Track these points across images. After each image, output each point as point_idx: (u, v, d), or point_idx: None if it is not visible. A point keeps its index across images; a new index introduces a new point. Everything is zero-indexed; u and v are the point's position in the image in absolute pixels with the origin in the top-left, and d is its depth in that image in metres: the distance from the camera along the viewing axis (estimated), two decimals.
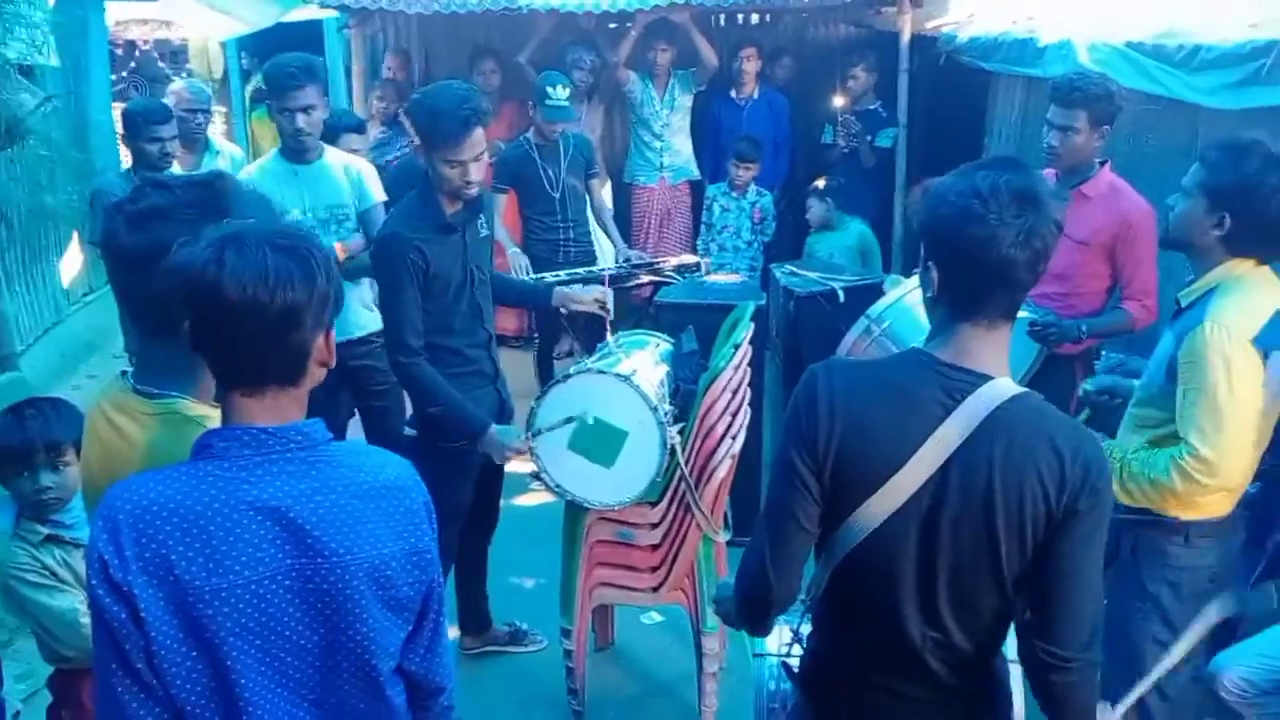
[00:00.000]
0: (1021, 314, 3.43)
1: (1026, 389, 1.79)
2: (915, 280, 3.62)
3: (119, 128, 4.63)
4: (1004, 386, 1.76)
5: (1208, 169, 2.65)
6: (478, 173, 3.30)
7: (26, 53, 4.97)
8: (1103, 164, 3.76)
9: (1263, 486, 2.74)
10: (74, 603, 2.54)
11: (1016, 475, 1.71)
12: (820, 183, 6.25)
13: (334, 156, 4.17)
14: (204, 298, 1.47)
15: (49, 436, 2.55)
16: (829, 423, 1.78)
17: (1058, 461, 1.71)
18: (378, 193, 4.21)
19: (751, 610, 1.94)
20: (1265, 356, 2.53)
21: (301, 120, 3.89)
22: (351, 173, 4.16)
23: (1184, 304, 2.72)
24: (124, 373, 1.90)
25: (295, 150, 4.02)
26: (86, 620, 2.51)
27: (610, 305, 3.80)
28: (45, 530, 2.58)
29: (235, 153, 5.76)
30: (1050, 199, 1.76)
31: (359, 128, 5.12)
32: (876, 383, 1.82)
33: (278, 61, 3.99)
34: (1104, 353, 4.23)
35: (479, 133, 3.25)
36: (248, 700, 1.49)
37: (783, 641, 2.26)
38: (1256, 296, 2.60)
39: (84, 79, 7.16)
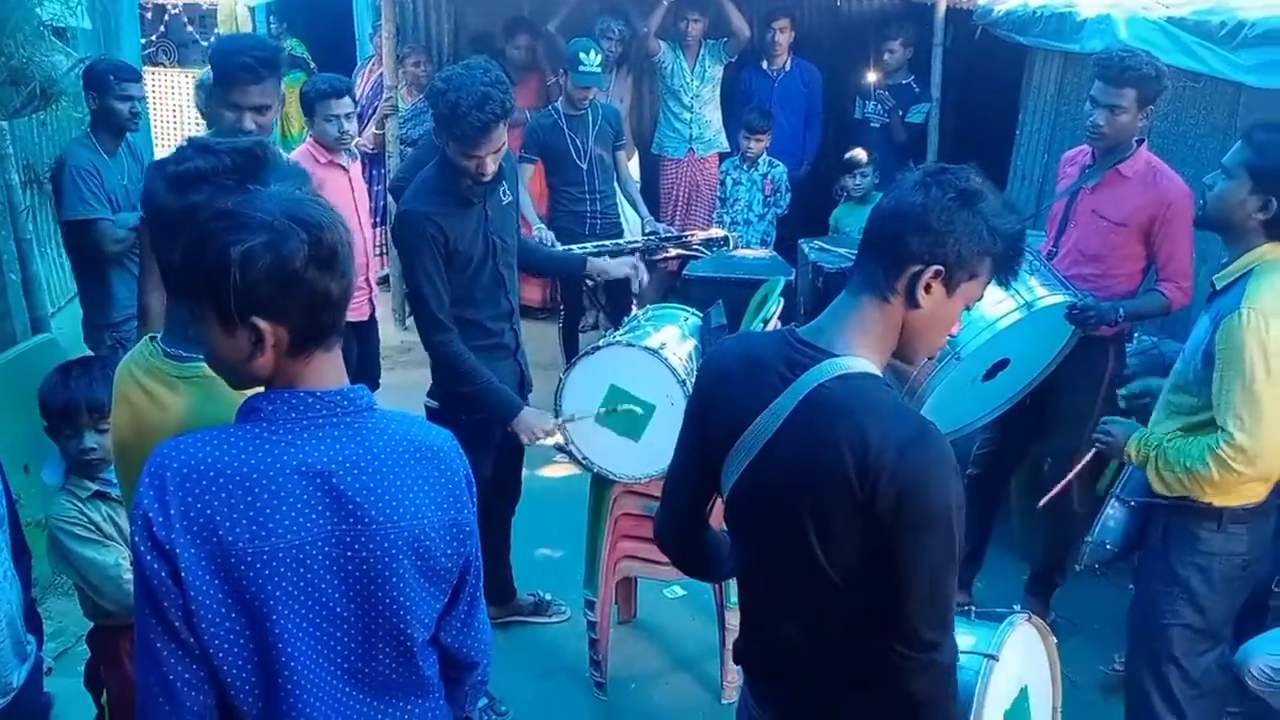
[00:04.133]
0: (1060, 298, 3.45)
1: (863, 371, 1.70)
2: None
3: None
4: (840, 364, 1.69)
5: (1254, 150, 2.59)
6: (494, 165, 3.24)
7: (60, 14, 4.98)
8: (1140, 143, 3.69)
9: None
10: (117, 558, 2.58)
11: (819, 455, 1.64)
12: (862, 154, 6.17)
13: None
14: (263, 272, 1.44)
15: (93, 397, 2.58)
16: (698, 387, 1.91)
17: (863, 445, 1.60)
18: None
19: (662, 551, 2.12)
20: None
21: (250, 120, 3.16)
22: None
23: (1219, 287, 2.67)
24: (153, 336, 1.90)
25: None
26: (129, 575, 2.56)
27: (643, 274, 3.79)
28: (93, 486, 2.63)
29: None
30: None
31: (334, 92, 4.60)
32: (739, 354, 1.84)
33: (233, 44, 3.48)
34: (1136, 335, 4.20)
35: (499, 130, 3.18)
36: (286, 664, 1.50)
37: None
38: None
39: (114, 42, 7.15)
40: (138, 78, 4.49)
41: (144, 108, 4.51)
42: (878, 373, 1.73)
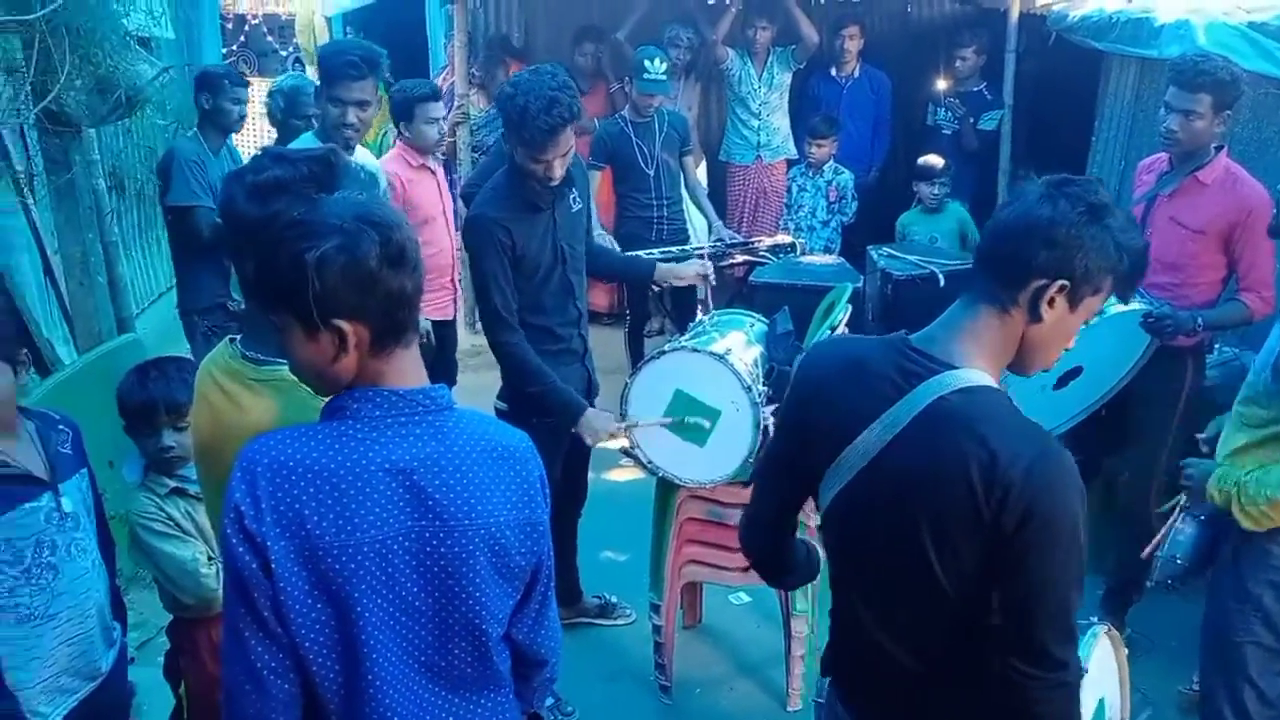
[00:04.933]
0: (1135, 305, 3.38)
1: (984, 384, 1.68)
2: None
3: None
4: (961, 377, 1.67)
5: None
6: (561, 168, 3.27)
7: (145, 24, 5.13)
8: (1219, 149, 3.61)
9: None
10: (195, 552, 2.65)
11: (942, 470, 1.62)
12: (933, 161, 6.12)
13: (357, 157, 3.95)
14: (339, 274, 1.50)
15: (170, 397, 2.64)
16: (799, 394, 1.85)
17: (991, 462, 1.58)
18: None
19: (746, 559, 2.07)
20: None
21: (353, 114, 3.55)
22: (363, 175, 3.99)
23: None
24: (232, 339, 1.96)
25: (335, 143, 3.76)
26: (207, 570, 2.63)
27: (712, 278, 3.81)
28: (171, 483, 2.69)
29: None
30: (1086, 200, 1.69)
31: (434, 95, 4.84)
32: (843, 359, 1.81)
33: (338, 46, 3.77)
34: (1218, 347, 4.10)
35: (567, 133, 3.20)
36: (368, 655, 1.54)
37: None
38: None
39: (197, 51, 7.36)
40: (246, 84, 4.74)
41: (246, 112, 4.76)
42: (996, 385, 1.71)
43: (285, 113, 5.06)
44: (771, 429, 3.18)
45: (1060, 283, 1.67)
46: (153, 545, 2.65)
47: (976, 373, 1.69)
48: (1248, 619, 2.71)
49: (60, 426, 2.48)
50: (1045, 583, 1.61)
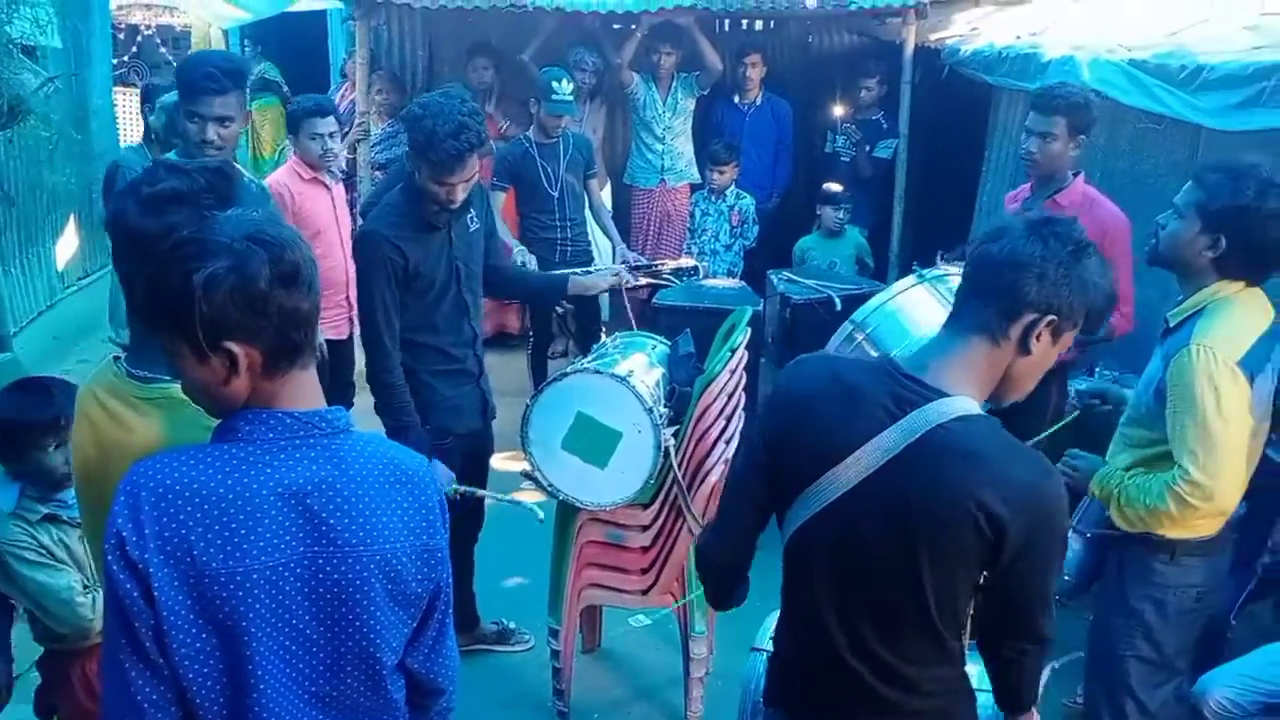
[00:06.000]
0: None
1: (979, 412, 1.74)
2: (900, 284, 3.64)
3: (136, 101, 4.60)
4: (955, 405, 1.72)
5: (1204, 190, 2.64)
6: (463, 192, 3.25)
7: (29, 32, 4.97)
8: (1076, 175, 3.84)
9: (1249, 508, 2.75)
10: (70, 580, 2.56)
11: (944, 498, 1.68)
12: (836, 187, 6.25)
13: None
14: (228, 295, 1.45)
15: (56, 416, 2.55)
16: (780, 408, 1.87)
17: (992, 489, 1.66)
18: None
19: (701, 572, 2.06)
20: (1251, 380, 2.54)
21: (213, 130, 3.18)
22: (254, 189, 3.96)
23: (1172, 324, 2.72)
24: (116, 358, 1.89)
25: None
26: (82, 599, 2.52)
27: (628, 279, 3.81)
28: (44, 509, 2.60)
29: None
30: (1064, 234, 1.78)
31: (319, 111, 4.77)
32: (830, 379, 1.83)
33: (198, 57, 3.44)
34: (1099, 370, 4.25)
35: (472, 160, 3.19)
36: (255, 686, 1.49)
37: (771, 636, 2.28)
38: (1244, 319, 2.61)
39: (85, 61, 7.13)
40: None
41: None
42: (984, 413, 1.77)
43: (168, 130, 4.90)
44: (674, 452, 3.19)
45: (1050, 318, 1.74)
46: (24, 575, 2.55)
47: (969, 400, 1.74)
48: (1131, 633, 2.81)
49: None
50: (1045, 578, 1.78)
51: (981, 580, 1.78)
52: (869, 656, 1.81)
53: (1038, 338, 1.76)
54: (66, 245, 7.04)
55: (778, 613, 2.33)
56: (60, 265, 6.95)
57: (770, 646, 2.30)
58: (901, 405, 1.73)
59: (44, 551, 2.57)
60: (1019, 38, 5.62)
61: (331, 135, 4.71)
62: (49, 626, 2.59)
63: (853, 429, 1.74)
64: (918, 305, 3.52)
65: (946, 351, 1.79)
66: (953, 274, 3.69)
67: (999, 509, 1.65)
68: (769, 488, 1.88)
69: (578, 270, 5.30)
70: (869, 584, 1.77)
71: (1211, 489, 2.53)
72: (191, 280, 1.44)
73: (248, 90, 3.30)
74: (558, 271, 5.05)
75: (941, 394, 1.73)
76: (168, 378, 1.75)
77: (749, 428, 1.93)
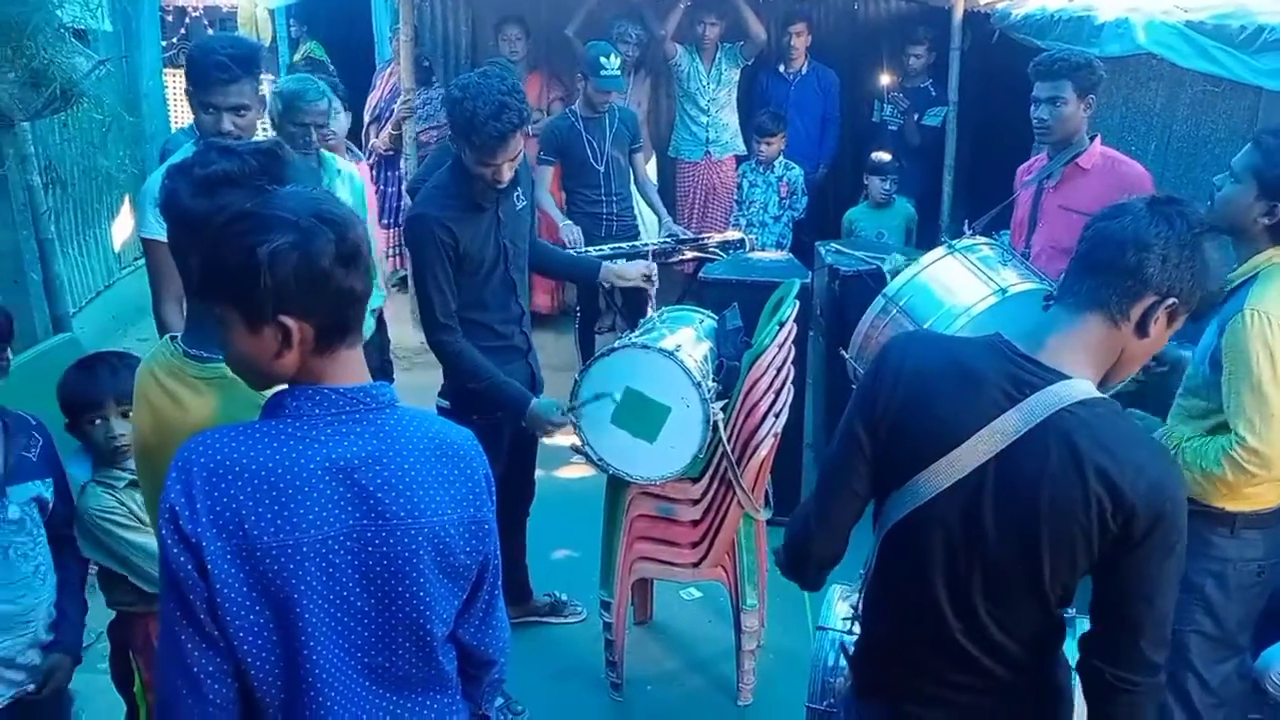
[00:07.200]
0: (1034, 284, 3.41)
1: (1101, 396, 1.70)
2: (932, 255, 3.61)
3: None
4: (1077, 388, 1.68)
5: (1263, 155, 2.57)
6: (510, 171, 3.24)
7: (80, 16, 5.02)
8: (1093, 138, 3.84)
9: None
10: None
11: (1068, 484, 1.64)
12: (884, 157, 6.17)
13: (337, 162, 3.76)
14: (292, 271, 1.47)
15: (118, 388, 2.61)
16: (890, 391, 1.79)
17: (1119, 477, 1.62)
18: None
19: (792, 558, 1.97)
20: None
21: (229, 121, 3.02)
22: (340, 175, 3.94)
23: (1226, 290, 2.66)
24: (173, 337, 1.92)
25: None
26: None
27: (655, 279, 3.80)
28: (127, 475, 2.65)
29: (355, 175, 4.34)
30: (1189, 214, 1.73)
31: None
32: (947, 361, 1.78)
33: (207, 44, 3.28)
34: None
35: (516, 138, 3.17)
36: (309, 658, 1.51)
37: (841, 617, 2.25)
38: None
39: (135, 44, 7.21)
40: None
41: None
42: (1106, 397, 1.73)
43: (283, 117, 4.83)
44: (723, 426, 3.19)
45: (1170, 300, 1.71)
46: (123, 539, 2.61)
47: (1088, 383, 1.70)
48: (1191, 608, 2.76)
49: (34, 433, 2.53)
50: (1155, 594, 1.66)
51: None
52: (983, 639, 1.77)
53: (1156, 321, 1.71)
54: (122, 227, 7.15)
55: (839, 590, 2.31)
56: (116, 246, 7.06)
57: (840, 626, 2.28)
58: (1020, 387, 1.69)
59: (133, 515, 2.63)
60: (1072, 0, 5.50)
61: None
62: (127, 590, 2.64)
63: (971, 411, 1.70)
64: (950, 276, 3.54)
65: (1063, 330, 1.74)
66: (982, 244, 3.65)
67: (1125, 496, 1.61)
68: (872, 475, 1.84)
69: (624, 246, 5.30)
70: (986, 569, 1.73)
71: (1269, 456, 2.48)
72: (256, 252, 1.46)
73: (260, 75, 3.16)
74: (597, 251, 5.05)
75: (1060, 375, 1.69)
76: (223, 357, 1.78)
77: (849, 412, 1.85)
